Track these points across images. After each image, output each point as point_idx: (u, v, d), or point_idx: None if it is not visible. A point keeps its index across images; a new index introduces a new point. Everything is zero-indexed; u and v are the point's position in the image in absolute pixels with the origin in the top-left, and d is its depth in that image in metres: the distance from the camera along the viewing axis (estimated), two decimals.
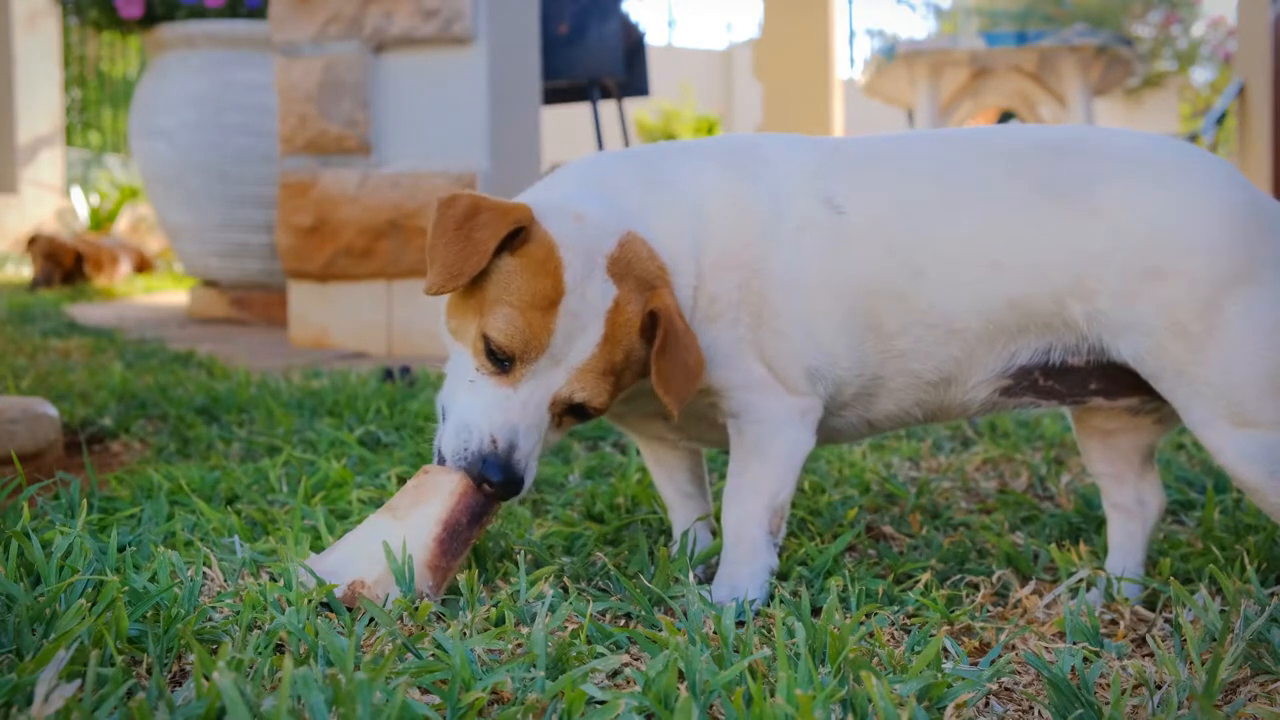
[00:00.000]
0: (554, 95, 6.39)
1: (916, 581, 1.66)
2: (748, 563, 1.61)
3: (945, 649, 1.39)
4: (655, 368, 1.50)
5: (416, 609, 1.41)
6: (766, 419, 1.63)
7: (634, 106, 11.35)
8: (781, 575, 1.68)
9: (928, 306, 1.58)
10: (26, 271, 9.89)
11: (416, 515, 1.51)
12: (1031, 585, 1.67)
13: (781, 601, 1.49)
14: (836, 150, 1.68)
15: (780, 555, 1.75)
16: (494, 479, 1.48)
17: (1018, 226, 1.56)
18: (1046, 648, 1.41)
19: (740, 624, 1.48)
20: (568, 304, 1.48)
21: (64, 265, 8.28)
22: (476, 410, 1.50)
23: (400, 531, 1.51)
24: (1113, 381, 1.61)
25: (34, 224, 11.10)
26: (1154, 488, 1.76)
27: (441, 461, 1.53)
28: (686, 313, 1.59)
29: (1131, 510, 1.75)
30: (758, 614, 1.52)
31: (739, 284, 1.60)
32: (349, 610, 1.46)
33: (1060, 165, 1.57)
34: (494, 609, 1.44)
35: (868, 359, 1.62)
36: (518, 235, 1.50)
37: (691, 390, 1.52)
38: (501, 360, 1.49)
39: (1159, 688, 1.27)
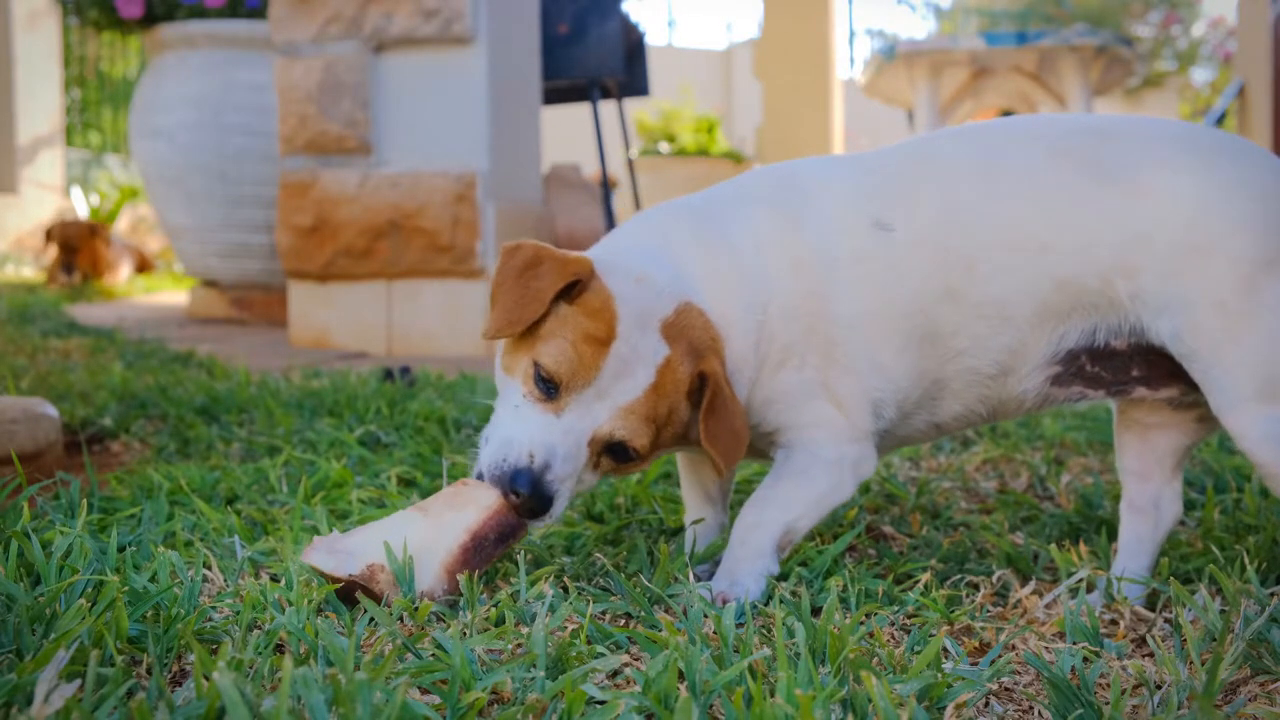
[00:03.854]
0: (554, 95, 6.40)
1: (916, 581, 1.66)
2: (750, 561, 1.63)
3: (945, 649, 1.39)
4: (704, 426, 1.54)
5: (416, 609, 1.41)
6: (821, 454, 1.67)
7: (634, 106, 11.33)
8: (781, 575, 1.68)
9: (981, 299, 1.61)
10: (28, 271, 9.88)
11: (448, 518, 1.52)
12: (1031, 585, 1.66)
13: (781, 601, 1.49)
14: (874, 165, 1.71)
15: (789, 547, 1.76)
16: (522, 490, 1.50)
17: (1064, 208, 1.58)
18: (1046, 648, 1.41)
19: (740, 624, 1.48)
20: (618, 348, 1.52)
21: (79, 248, 8.24)
22: (518, 429, 1.54)
23: (428, 529, 1.52)
24: (1154, 368, 1.63)
25: (34, 224, 11.09)
26: (1173, 496, 1.76)
27: (481, 479, 1.55)
28: (750, 366, 1.64)
29: (1145, 512, 1.75)
30: (758, 613, 1.52)
31: (806, 330, 1.64)
32: (360, 594, 1.46)
33: (1104, 147, 1.60)
34: (494, 609, 1.44)
35: (928, 368, 1.66)
36: (575, 285, 1.54)
37: (739, 453, 1.56)
38: (549, 387, 1.53)
39: (1159, 688, 1.27)
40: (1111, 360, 1.63)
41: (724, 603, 1.54)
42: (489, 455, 1.55)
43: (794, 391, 1.66)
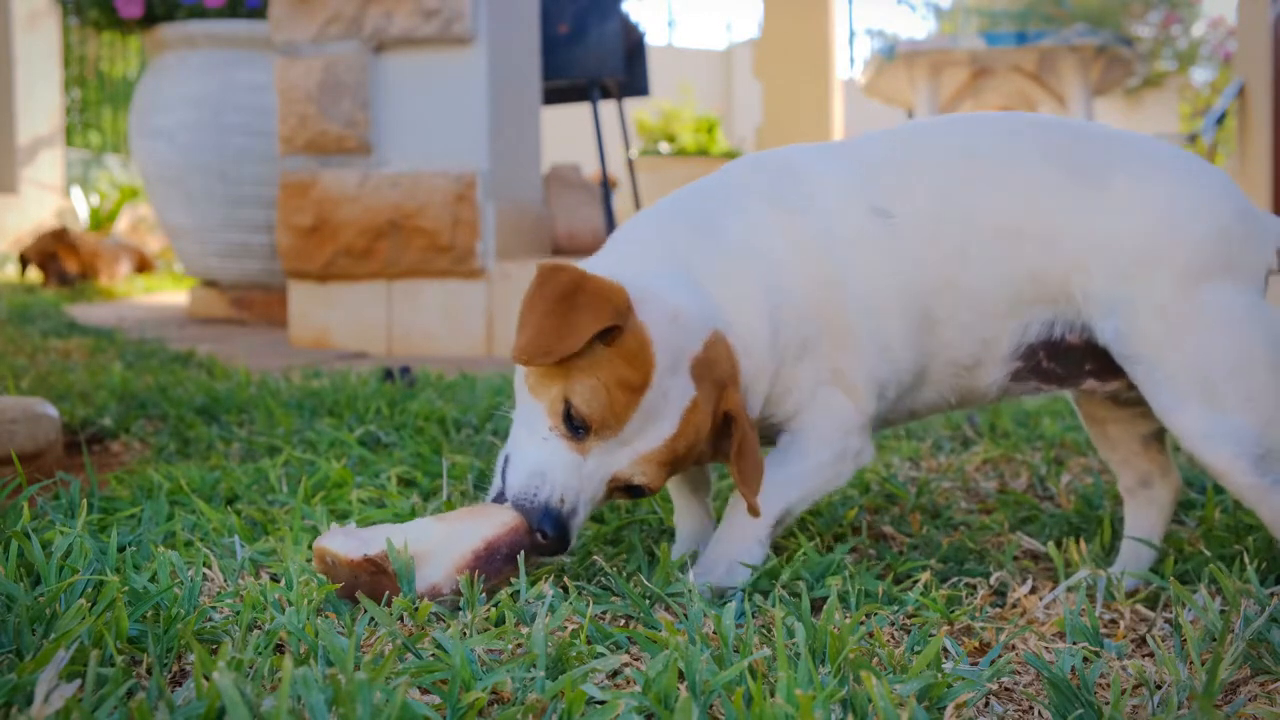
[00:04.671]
0: (554, 95, 6.39)
1: (916, 581, 1.66)
2: (746, 542, 1.65)
3: (945, 649, 1.39)
4: (736, 468, 1.57)
5: (417, 609, 1.41)
6: (828, 440, 1.70)
7: (634, 106, 11.33)
8: (782, 575, 1.68)
9: (971, 288, 1.65)
10: (31, 273, 9.88)
11: (464, 526, 1.53)
12: (1031, 585, 1.67)
13: (781, 601, 1.49)
14: (867, 154, 1.73)
15: (780, 556, 1.75)
16: (549, 533, 1.51)
17: (1043, 198, 1.63)
18: (1046, 648, 1.41)
19: (740, 625, 1.48)
20: (650, 397, 1.52)
21: (57, 254, 8.21)
22: (553, 466, 1.53)
23: (445, 533, 1.52)
24: (1104, 361, 1.67)
25: (34, 224, 11.08)
26: (1162, 470, 1.84)
27: (498, 501, 1.56)
28: (769, 373, 1.65)
29: (1135, 492, 1.85)
30: (758, 613, 1.52)
31: (821, 324, 1.66)
32: (360, 594, 1.46)
33: (1081, 145, 1.66)
34: (494, 609, 1.44)
35: (919, 355, 1.70)
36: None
37: (761, 483, 1.59)
38: (577, 428, 1.52)
39: (1159, 688, 1.27)
40: (1066, 356, 1.69)
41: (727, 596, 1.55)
42: (519, 484, 1.54)
43: (809, 380, 1.68)
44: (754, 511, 1.58)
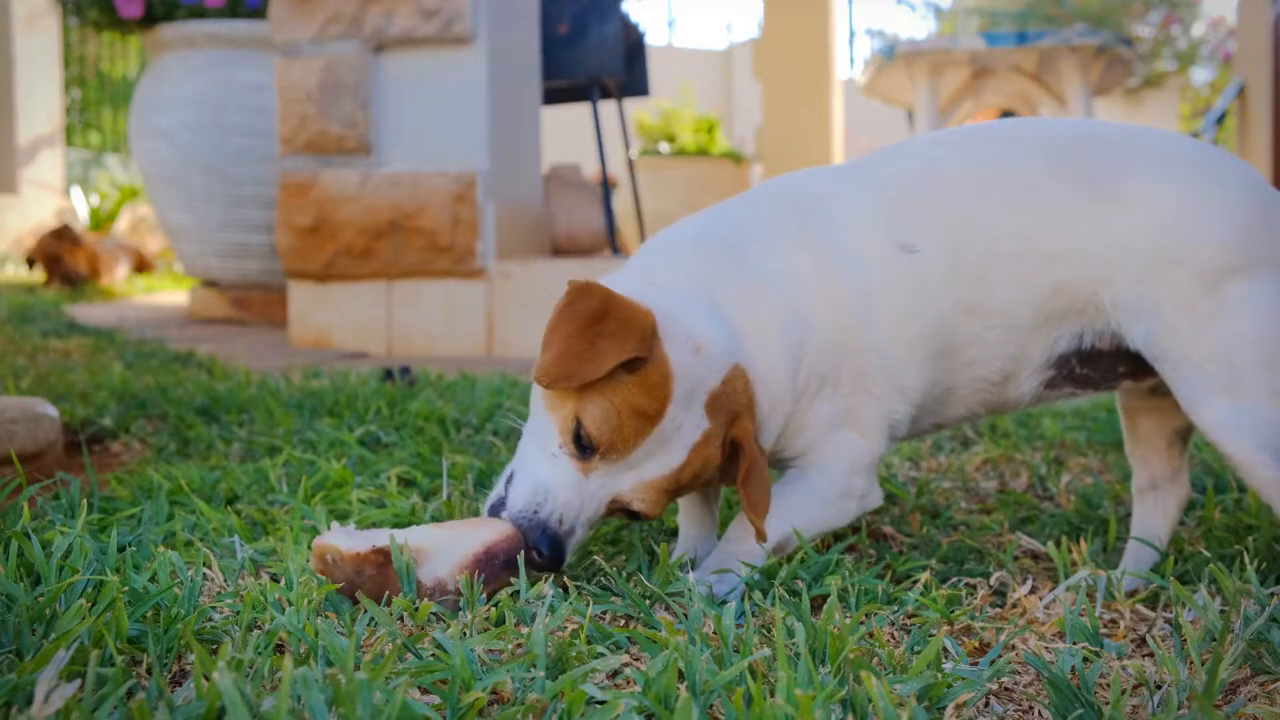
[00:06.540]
0: (554, 95, 6.39)
1: (916, 581, 1.66)
2: (740, 558, 1.65)
3: (945, 649, 1.39)
4: (744, 494, 1.57)
5: (417, 609, 1.41)
6: (833, 478, 1.71)
7: (634, 106, 11.32)
8: (779, 574, 1.68)
9: (991, 309, 1.67)
10: (31, 273, 9.88)
11: (465, 531, 1.54)
12: (1031, 585, 1.67)
13: (781, 601, 1.49)
14: (887, 182, 1.73)
15: (779, 557, 1.76)
16: (544, 552, 1.52)
17: (1059, 216, 1.65)
18: (1046, 648, 1.41)
19: (740, 625, 1.47)
20: (662, 427, 1.53)
21: (61, 255, 8.21)
22: (557, 484, 1.54)
23: (446, 535, 1.53)
24: (1138, 362, 1.69)
25: (34, 224, 11.08)
26: (1172, 475, 1.86)
27: (495, 513, 1.56)
28: (787, 403, 1.66)
29: (1144, 493, 1.87)
30: (757, 613, 1.52)
31: (840, 360, 1.68)
32: (361, 594, 1.46)
33: (1094, 157, 1.67)
34: (494, 609, 1.44)
35: (940, 379, 1.71)
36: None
37: (769, 507, 1.60)
38: (585, 447, 1.53)
39: (1159, 688, 1.27)
40: (1099, 361, 1.71)
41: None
42: (521, 498, 1.54)
43: (824, 419, 1.70)
44: (761, 537, 1.58)
